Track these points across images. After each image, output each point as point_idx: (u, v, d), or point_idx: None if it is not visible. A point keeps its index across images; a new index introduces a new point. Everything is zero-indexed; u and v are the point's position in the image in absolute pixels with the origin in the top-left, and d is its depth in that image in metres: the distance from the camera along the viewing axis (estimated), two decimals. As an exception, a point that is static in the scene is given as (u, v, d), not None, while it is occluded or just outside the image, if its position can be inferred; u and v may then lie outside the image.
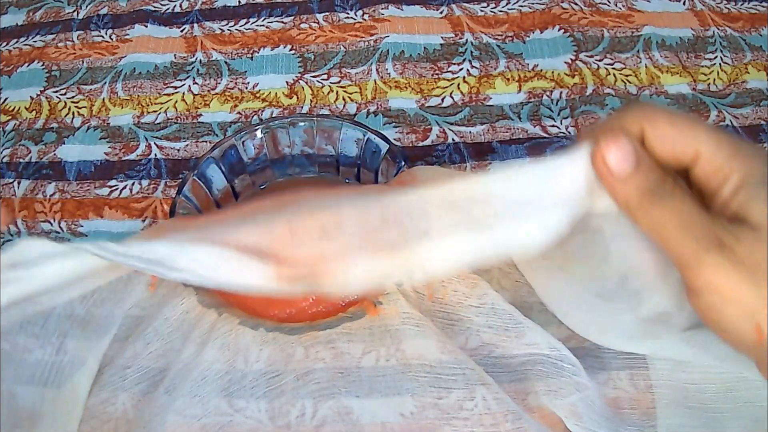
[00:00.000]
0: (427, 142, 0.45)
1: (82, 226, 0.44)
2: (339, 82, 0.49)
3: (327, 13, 0.53)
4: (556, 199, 0.24)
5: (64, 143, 0.48)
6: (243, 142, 0.36)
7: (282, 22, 0.52)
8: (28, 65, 0.52)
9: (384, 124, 0.46)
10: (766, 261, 0.21)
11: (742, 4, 0.52)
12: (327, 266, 0.24)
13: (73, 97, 0.50)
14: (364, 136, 0.36)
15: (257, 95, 0.49)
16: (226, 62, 0.51)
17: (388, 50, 0.50)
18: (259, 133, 0.37)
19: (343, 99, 0.48)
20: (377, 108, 0.47)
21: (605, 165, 0.22)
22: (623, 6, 0.52)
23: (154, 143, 0.47)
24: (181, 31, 0.53)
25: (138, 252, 0.24)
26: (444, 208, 0.24)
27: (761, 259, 0.21)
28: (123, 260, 0.24)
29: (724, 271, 0.21)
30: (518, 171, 0.24)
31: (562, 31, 0.50)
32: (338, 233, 0.24)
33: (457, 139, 0.45)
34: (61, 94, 0.50)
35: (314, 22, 0.52)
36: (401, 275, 0.24)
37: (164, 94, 0.49)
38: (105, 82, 0.50)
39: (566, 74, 0.48)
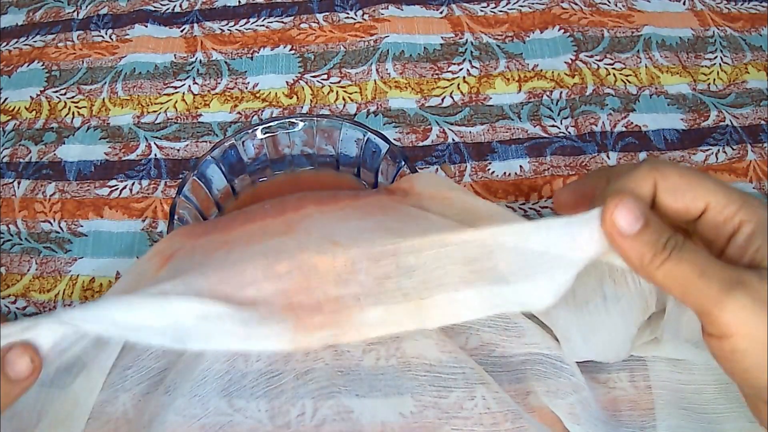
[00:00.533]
0: (427, 142, 0.45)
1: (82, 226, 0.44)
2: (339, 82, 0.49)
3: (327, 13, 0.53)
4: (567, 262, 0.24)
5: (64, 143, 0.48)
6: (243, 142, 0.36)
7: (282, 22, 0.52)
8: (28, 65, 0.52)
9: (384, 124, 0.46)
10: None
11: (742, 4, 0.52)
12: (345, 313, 0.24)
13: (73, 97, 0.50)
14: (364, 136, 0.36)
15: (257, 95, 0.49)
16: (226, 62, 0.51)
17: (388, 50, 0.50)
18: (259, 133, 0.37)
19: (343, 99, 0.48)
20: (377, 108, 0.47)
21: (614, 226, 0.23)
22: (623, 6, 0.52)
23: (154, 143, 0.47)
24: (181, 31, 0.53)
25: (152, 316, 0.24)
26: (454, 261, 0.25)
27: None
28: (138, 337, 0.24)
29: (748, 310, 0.21)
30: (531, 229, 0.24)
31: (562, 31, 0.50)
32: (352, 279, 0.25)
33: (457, 139, 0.45)
34: (61, 94, 0.50)
35: (314, 22, 0.52)
36: (415, 323, 0.25)
37: (164, 94, 0.49)
38: (105, 82, 0.50)
39: (566, 74, 0.48)
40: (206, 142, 0.47)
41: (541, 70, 0.48)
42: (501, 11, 0.52)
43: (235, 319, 0.24)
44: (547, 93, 0.47)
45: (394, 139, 0.45)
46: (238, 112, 0.48)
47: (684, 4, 0.52)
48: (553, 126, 0.46)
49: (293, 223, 0.27)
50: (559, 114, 0.46)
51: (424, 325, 0.25)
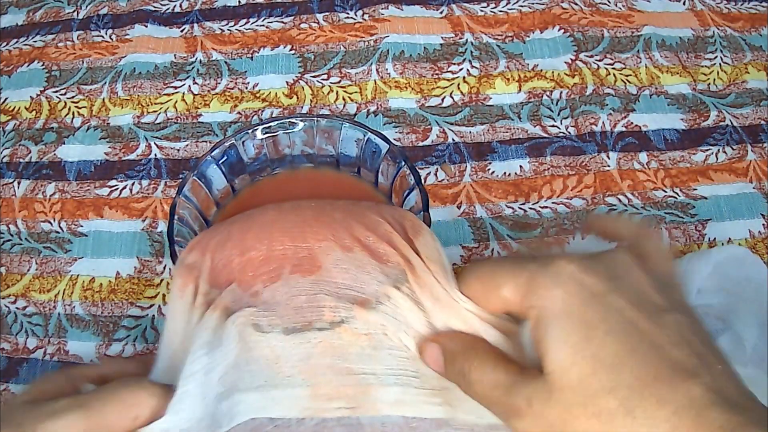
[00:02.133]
0: (427, 142, 0.45)
1: (82, 226, 0.44)
2: (339, 82, 0.49)
3: (327, 13, 0.53)
4: None
5: (64, 143, 0.48)
6: (243, 142, 0.36)
7: (282, 22, 0.52)
8: (28, 65, 0.52)
9: (384, 124, 0.46)
10: (559, 419, 0.21)
11: (742, 4, 0.52)
12: (362, 388, 0.24)
13: (73, 97, 0.50)
14: (364, 136, 0.36)
15: (257, 95, 0.49)
16: (226, 62, 0.51)
17: (388, 50, 0.50)
18: (259, 133, 0.37)
19: (343, 99, 0.48)
20: (377, 108, 0.47)
21: (435, 366, 0.25)
22: (623, 6, 0.52)
23: (154, 143, 0.47)
24: (181, 31, 0.53)
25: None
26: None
27: (554, 418, 0.21)
28: None
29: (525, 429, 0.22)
30: None
31: (562, 31, 0.50)
32: (375, 355, 0.25)
33: (457, 139, 0.45)
34: (61, 94, 0.50)
35: (314, 22, 0.52)
36: (433, 412, 0.25)
37: (164, 94, 0.49)
38: (105, 82, 0.50)
39: (566, 74, 0.48)
40: (206, 142, 0.47)
41: (541, 70, 0.49)
42: (501, 11, 0.52)
43: (252, 389, 0.24)
44: (547, 93, 0.47)
45: (394, 139, 0.45)
46: (238, 112, 0.48)
47: (684, 4, 0.52)
48: (553, 126, 0.46)
49: (317, 257, 0.27)
50: (559, 114, 0.46)
51: (441, 414, 0.25)
